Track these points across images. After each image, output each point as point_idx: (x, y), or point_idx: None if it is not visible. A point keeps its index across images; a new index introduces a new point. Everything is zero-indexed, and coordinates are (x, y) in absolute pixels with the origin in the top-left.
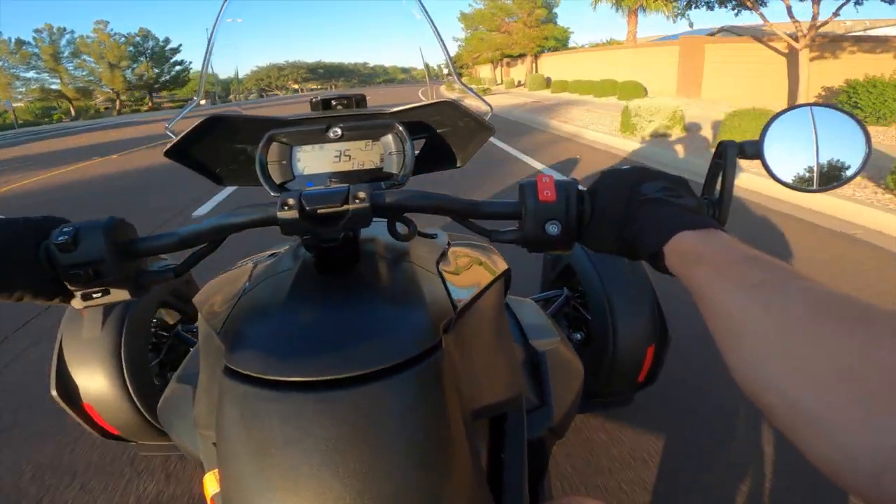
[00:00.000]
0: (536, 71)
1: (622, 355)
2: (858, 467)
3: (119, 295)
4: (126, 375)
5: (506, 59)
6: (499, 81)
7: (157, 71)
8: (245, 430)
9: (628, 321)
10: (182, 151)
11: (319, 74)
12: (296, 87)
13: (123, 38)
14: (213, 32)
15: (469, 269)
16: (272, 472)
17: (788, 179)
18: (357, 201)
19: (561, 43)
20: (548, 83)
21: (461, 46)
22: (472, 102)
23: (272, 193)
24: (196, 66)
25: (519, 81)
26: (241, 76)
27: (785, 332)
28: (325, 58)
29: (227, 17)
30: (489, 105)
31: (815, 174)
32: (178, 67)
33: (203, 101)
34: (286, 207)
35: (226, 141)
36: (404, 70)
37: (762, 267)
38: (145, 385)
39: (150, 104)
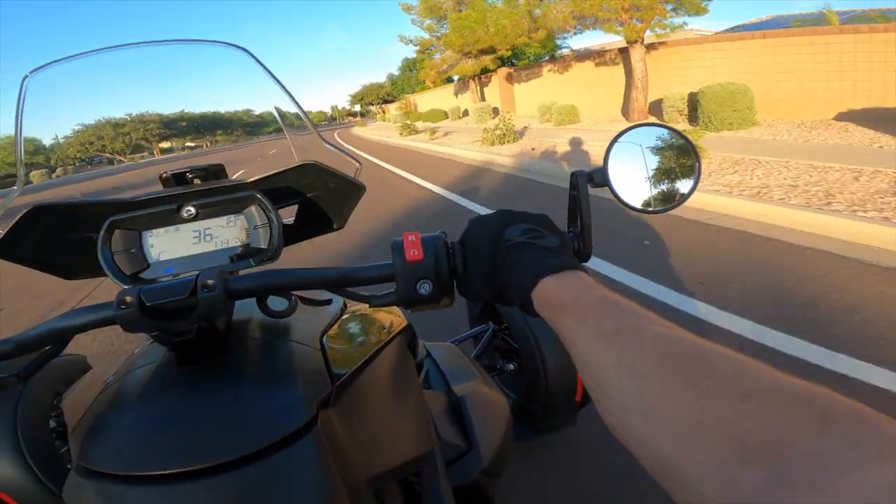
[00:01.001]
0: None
1: (554, 379)
2: None
3: None
4: (33, 466)
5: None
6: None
7: None
8: None
9: (553, 345)
10: (9, 250)
11: (181, 129)
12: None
13: None
14: (19, 113)
15: (361, 335)
16: None
17: (636, 203)
18: (206, 291)
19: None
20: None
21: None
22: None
23: (121, 286)
24: None
25: (465, 111)
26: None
27: (639, 384)
28: (188, 106)
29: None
30: (358, 161)
31: (654, 194)
32: None
33: (33, 180)
34: (123, 306)
35: (63, 231)
36: (284, 118)
37: (616, 314)
38: (58, 472)
39: None
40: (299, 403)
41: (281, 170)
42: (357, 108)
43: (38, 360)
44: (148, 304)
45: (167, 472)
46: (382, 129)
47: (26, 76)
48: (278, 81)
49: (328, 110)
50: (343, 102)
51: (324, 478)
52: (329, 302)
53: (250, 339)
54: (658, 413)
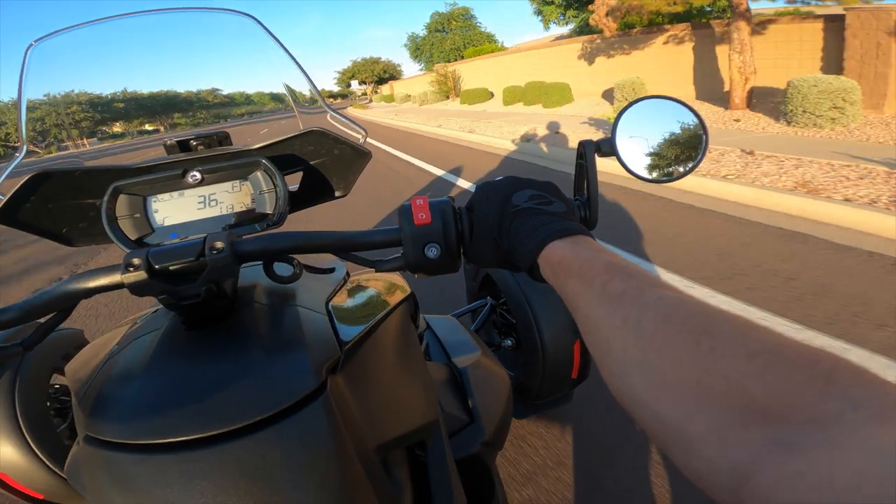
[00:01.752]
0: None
1: (551, 355)
2: (719, 479)
3: None
4: (31, 443)
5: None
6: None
7: None
8: (115, 497)
9: (551, 321)
10: (13, 214)
11: (155, 110)
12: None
13: None
14: (22, 81)
15: (365, 303)
16: None
17: (643, 173)
18: (214, 253)
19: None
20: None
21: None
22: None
23: (126, 251)
24: None
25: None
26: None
27: (642, 344)
28: (158, 87)
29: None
30: (364, 129)
31: (663, 165)
32: None
33: (40, 153)
34: (131, 269)
35: (65, 198)
36: (275, 97)
37: (622, 277)
38: (56, 449)
39: None
40: (309, 368)
41: (287, 136)
42: (356, 85)
43: (44, 328)
44: (156, 267)
45: (178, 439)
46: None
47: (30, 45)
48: (286, 51)
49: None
50: (328, 82)
51: (335, 443)
52: (332, 270)
53: (257, 304)
54: (660, 373)
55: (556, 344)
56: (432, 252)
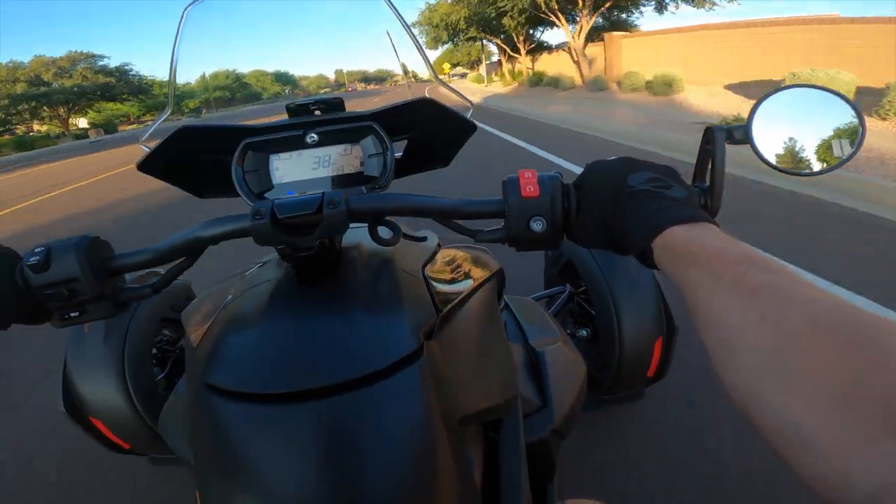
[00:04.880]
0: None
1: (629, 350)
2: (852, 493)
3: (97, 313)
4: (131, 390)
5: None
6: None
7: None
8: (220, 447)
9: (633, 315)
10: (156, 165)
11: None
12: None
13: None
14: (176, 42)
15: (458, 272)
16: (248, 488)
17: (781, 163)
18: (331, 208)
19: None
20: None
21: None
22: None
23: (250, 204)
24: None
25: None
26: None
27: (781, 346)
28: (282, 66)
29: (191, 25)
30: (471, 102)
31: (808, 156)
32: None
33: (182, 118)
34: (257, 218)
35: (201, 152)
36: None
37: (760, 270)
38: (152, 399)
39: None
40: (408, 330)
41: (397, 103)
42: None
43: (173, 272)
44: (279, 217)
45: (284, 391)
46: None
47: (186, 7)
48: (406, 27)
49: (331, 75)
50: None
51: (425, 409)
52: (425, 238)
53: (360, 264)
54: (802, 378)
55: (636, 339)
56: (538, 226)
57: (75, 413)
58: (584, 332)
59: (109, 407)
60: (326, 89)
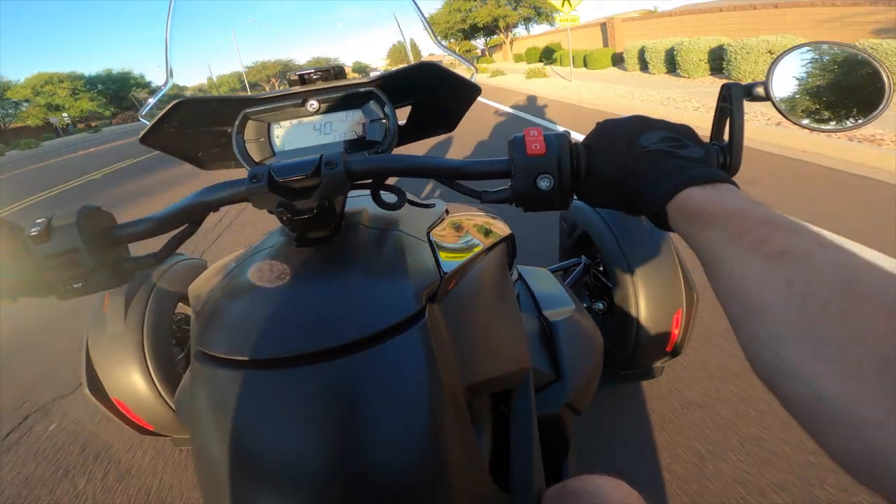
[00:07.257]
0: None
1: (647, 324)
2: (888, 468)
3: (100, 283)
4: (151, 370)
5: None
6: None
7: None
8: (218, 414)
9: (651, 286)
10: (157, 137)
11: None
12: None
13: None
14: (169, 20)
15: (465, 236)
16: (240, 455)
17: (800, 119)
18: (329, 168)
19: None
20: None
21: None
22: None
23: (248, 168)
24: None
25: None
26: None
27: (810, 311)
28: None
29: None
30: (473, 66)
31: (829, 112)
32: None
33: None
34: (255, 181)
35: (202, 124)
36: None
37: (785, 232)
38: (172, 379)
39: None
40: (410, 292)
41: (399, 68)
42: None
43: (175, 240)
44: (277, 180)
45: (279, 356)
46: None
47: None
48: (427, 25)
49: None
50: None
51: (427, 374)
52: (432, 205)
53: (362, 227)
54: (833, 347)
55: (655, 313)
56: (544, 183)
57: (99, 395)
58: (600, 305)
59: (131, 388)
60: None
